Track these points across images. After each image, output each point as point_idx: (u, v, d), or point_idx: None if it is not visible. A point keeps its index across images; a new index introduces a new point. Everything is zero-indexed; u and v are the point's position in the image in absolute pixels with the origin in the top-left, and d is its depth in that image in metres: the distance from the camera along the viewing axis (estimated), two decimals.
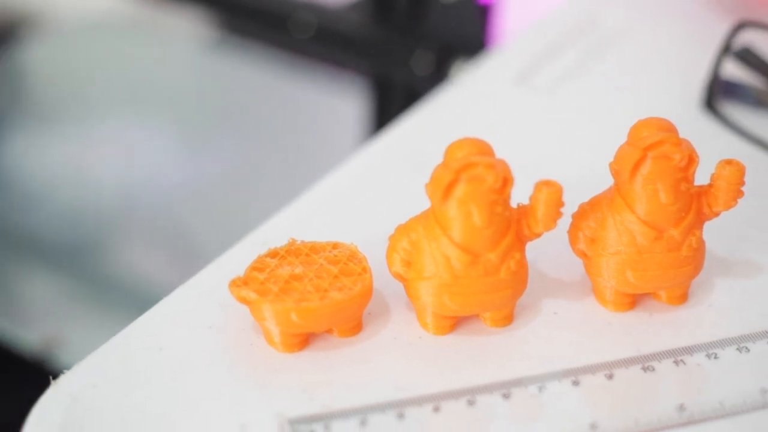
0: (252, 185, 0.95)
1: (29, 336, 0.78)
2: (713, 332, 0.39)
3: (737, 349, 0.38)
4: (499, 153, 0.49)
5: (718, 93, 0.52)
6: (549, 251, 0.42)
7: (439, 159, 0.44)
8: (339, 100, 0.95)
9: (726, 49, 0.51)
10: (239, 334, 0.39)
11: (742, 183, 0.38)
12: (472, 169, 0.36)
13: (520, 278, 0.38)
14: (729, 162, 0.38)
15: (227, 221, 0.90)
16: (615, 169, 0.38)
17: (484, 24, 0.70)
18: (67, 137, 1.03)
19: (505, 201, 0.37)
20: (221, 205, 0.96)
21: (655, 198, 0.38)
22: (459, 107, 0.54)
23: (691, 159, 0.38)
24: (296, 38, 0.76)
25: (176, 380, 0.37)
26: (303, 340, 0.38)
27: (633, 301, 0.40)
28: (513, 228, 0.37)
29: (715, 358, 0.38)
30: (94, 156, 1.00)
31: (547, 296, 0.41)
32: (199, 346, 0.38)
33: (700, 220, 0.39)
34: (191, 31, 1.08)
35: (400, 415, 0.36)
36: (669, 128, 0.38)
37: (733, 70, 0.53)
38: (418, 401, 0.36)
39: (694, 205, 0.39)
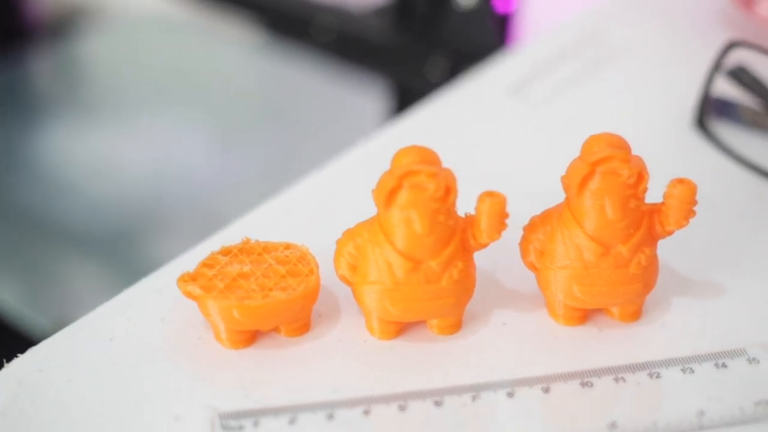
0: (280, 181, 0.96)
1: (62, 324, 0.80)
2: (661, 351, 0.39)
3: (682, 369, 0.38)
4: (484, 162, 0.49)
5: (709, 112, 0.51)
6: (508, 262, 0.42)
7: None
8: (367, 101, 0.95)
9: (716, 68, 0.50)
10: (189, 328, 0.40)
11: (694, 202, 0.38)
12: (415, 176, 0.36)
13: (463, 287, 0.38)
14: (680, 181, 0.38)
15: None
16: (565, 183, 0.38)
17: (501, 32, 0.70)
18: (109, 128, 1.06)
19: (448, 210, 0.37)
20: (251, 198, 0.97)
21: (602, 213, 0.38)
22: (449, 114, 0.55)
23: (641, 176, 0.37)
24: (318, 41, 0.77)
25: (120, 369, 0.38)
26: (249, 338, 0.39)
27: (584, 315, 0.40)
28: (458, 237, 0.38)
29: (657, 377, 0.38)
30: (132, 148, 1.02)
31: (499, 307, 0.41)
32: (148, 338, 0.39)
33: (651, 238, 0.39)
34: (236, 33, 1.09)
35: (330, 416, 0.36)
36: (620, 145, 0.38)
37: (728, 90, 0.53)
38: (350, 403, 0.36)
39: (645, 222, 0.38)
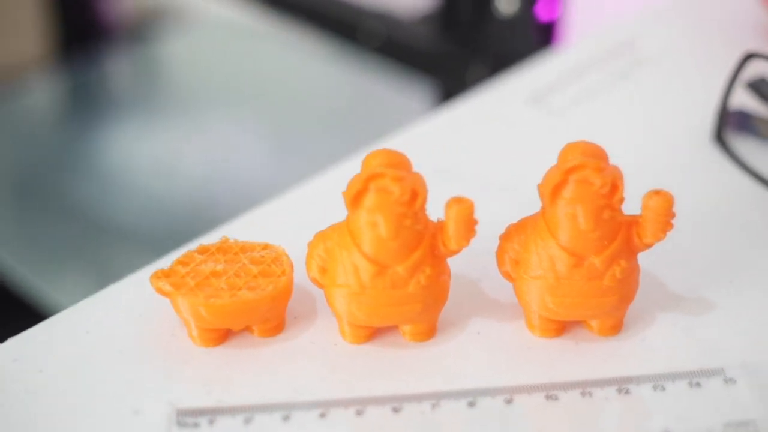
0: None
1: None
2: (636, 367, 0.38)
3: (653, 386, 0.37)
4: (496, 169, 0.48)
5: (727, 125, 0.50)
6: (494, 272, 0.41)
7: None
8: (415, 105, 0.95)
9: (733, 80, 0.49)
10: (164, 325, 0.40)
11: (671, 215, 0.37)
12: (380, 179, 0.36)
13: (431, 293, 0.38)
14: (657, 192, 0.37)
15: None
16: (540, 191, 0.38)
17: (544, 40, 0.69)
18: (171, 130, 1.08)
19: (415, 214, 0.37)
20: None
21: (574, 223, 0.37)
22: (466, 121, 0.54)
23: (615, 186, 0.36)
24: (366, 47, 0.77)
25: (90, 362, 0.38)
26: (220, 336, 0.39)
27: (560, 328, 0.39)
28: (426, 242, 0.37)
29: (627, 393, 0.37)
30: (192, 149, 1.04)
31: (477, 316, 0.40)
32: (123, 333, 0.40)
33: (629, 250, 0.38)
34: (302, 41, 1.10)
35: (286, 418, 0.36)
36: (595, 153, 0.37)
37: (750, 102, 0.51)
38: (308, 406, 0.36)
39: (622, 234, 0.37)
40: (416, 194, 0.36)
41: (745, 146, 0.50)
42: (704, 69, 0.57)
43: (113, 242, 0.95)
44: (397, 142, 0.52)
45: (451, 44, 0.74)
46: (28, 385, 0.37)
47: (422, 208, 0.37)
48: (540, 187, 0.38)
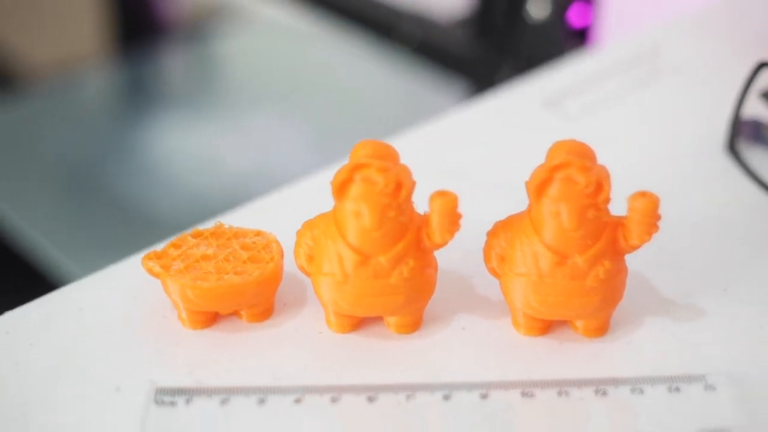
0: None
1: None
2: (617, 370, 0.38)
3: (631, 389, 0.37)
4: (505, 171, 0.48)
5: (740, 135, 0.49)
6: (484, 269, 0.41)
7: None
8: (448, 105, 0.95)
9: (746, 90, 0.48)
10: (156, 307, 0.41)
11: (656, 216, 0.37)
12: (365, 170, 0.37)
13: (414, 286, 0.38)
14: (642, 194, 0.37)
15: None
16: (527, 188, 0.38)
17: (576, 45, 0.69)
18: (216, 125, 1.09)
19: (399, 206, 0.37)
20: None
21: (558, 221, 0.37)
22: (480, 123, 0.54)
23: (600, 186, 0.36)
24: (402, 48, 0.77)
25: (80, 339, 0.39)
26: (208, 319, 0.40)
27: (545, 327, 0.39)
28: (411, 235, 0.37)
29: (604, 394, 0.37)
30: (234, 145, 1.05)
31: (464, 311, 0.40)
32: (115, 313, 0.40)
33: (614, 251, 0.37)
34: (345, 42, 1.11)
35: (262, 401, 0.36)
36: (582, 152, 0.37)
37: (765, 113, 0.51)
38: (284, 391, 0.37)
39: (607, 235, 0.37)
40: (401, 185, 0.37)
41: (758, 157, 0.50)
42: (724, 79, 0.56)
43: (151, 232, 0.96)
44: (412, 138, 0.53)
45: (483, 48, 0.74)
46: (18, 356, 0.38)
47: (407, 200, 0.37)
48: (527, 184, 0.38)
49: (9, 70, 1.33)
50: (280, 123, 1.08)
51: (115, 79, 1.23)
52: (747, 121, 0.50)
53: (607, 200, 0.37)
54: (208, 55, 1.27)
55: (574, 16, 0.70)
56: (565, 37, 0.69)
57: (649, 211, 0.37)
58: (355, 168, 0.37)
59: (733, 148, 0.49)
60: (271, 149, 1.05)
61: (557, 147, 0.37)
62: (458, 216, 0.37)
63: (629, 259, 0.42)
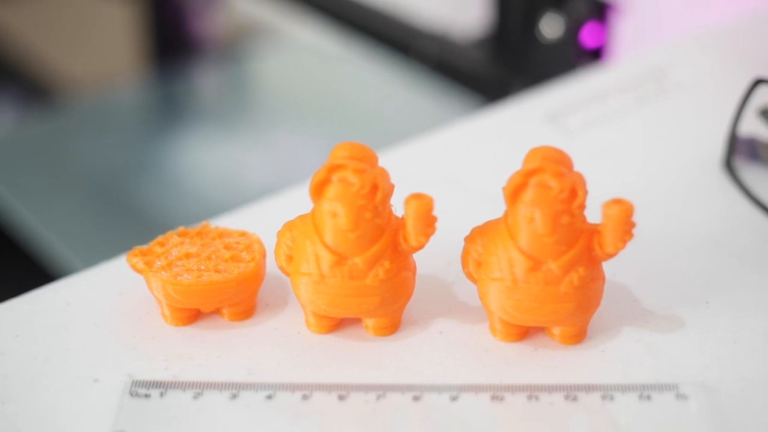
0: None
1: None
2: (588, 376, 0.38)
3: (602, 396, 0.37)
4: (502, 181, 0.49)
5: (736, 153, 0.49)
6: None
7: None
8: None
9: (742, 107, 0.48)
10: (141, 304, 0.41)
11: (630, 224, 0.37)
12: (342, 170, 0.37)
13: (390, 287, 0.38)
14: (617, 201, 0.37)
15: None
16: (504, 193, 0.38)
17: (589, 65, 0.69)
18: (242, 142, 1.10)
19: (375, 208, 0.37)
20: None
21: (532, 227, 0.37)
22: (480, 136, 0.55)
23: (574, 192, 0.37)
24: (420, 67, 0.78)
25: (63, 332, 0.40)
26: (190, 316, 0.40)
27: (522, 333, 0.39)
28: (387, 237, 0.38)
29: (574, 400, 0.37)
30: (258, 162, 1.06)
31: (443, 316, 0.41)
32: (100, 308, 0.41)
33: (590, 259, 0.38)
34: (368, 63, 1.12)
35: (234, 396, 0.37)
36: (557, 159, 0.37)
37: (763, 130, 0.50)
38: (256, 387, 0.37)
39: (582, 242, 0.37)
40: (376, 187, 0.37)
41: (754, 174, 0.50)
42: (726, 98, 0.56)
43: None
44: (414, 147, 0.53)
45: (499, 67, 0.74)
46: (3, 347, 0.39)
47: (383, 202, 0.38)
48: (503, 189, 0.38)
49: (45, 84, 1.35)
50: (304, 139, 1.09)
51: (148, 95, 1.25)
52: (743, 139, 0.50)
53: (582, 207, 0.37)
54: (238, 73, 1.29)
55: (588, 36, 0.70)
56: (578, 57, 0.69)
57: (622, 219, 0.37)
58: (331, 169, 0.37)
59: (729, 166, 0.49)
60: (295, 164, 1.06)
61: (533, 153, 0.38)
62: (433, 219, 0.37)
63: (616, 271, 0.42)
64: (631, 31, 0.71)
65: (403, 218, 0.38)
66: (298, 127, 1.12)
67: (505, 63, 0.73)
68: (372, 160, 0.38)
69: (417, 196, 0.37)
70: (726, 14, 0.69)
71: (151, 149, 1.13)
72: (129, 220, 1.00)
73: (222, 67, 1.29)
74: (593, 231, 0.38)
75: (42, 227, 0.97)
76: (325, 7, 0.89)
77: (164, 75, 1.27)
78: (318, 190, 0.38)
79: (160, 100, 1.24)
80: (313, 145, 1.09)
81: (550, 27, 0.70)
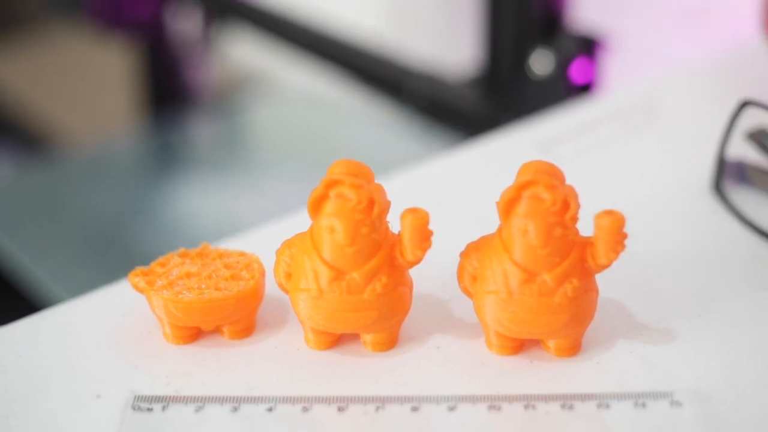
0: None
1: None
2: (584, 386, 0.38)
3: (598, 404, 0.37)
4: (494, 207, 0.50)
5: (725, 176, 0.50)
6: (461, 294, 0.42)
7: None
8: None
9: (729, 129, 0.49)
10: (142, 324, 0.42)
11: (622, 235, 0.38)
12: (339, 186, 0.38)
13: (387, 302, 0.39)
14: (608, 212, 0.38)
15: None
16: (497, 207, 0.39)
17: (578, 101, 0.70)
18: (237, 188, 1.11)
19: (372, 223, 0.38)
20: None
21: (526, 239, 0.38)
22: (476, 162, 0.56)
23: (566, 204, 0.37)
24: (411, 107, 0.79)
25: (67, 350, 0.41)
26: (191, 335, 0.41)
27: (517, 346, 0.40)
28: (384, 252, 0.39)
29: (570, 408, 0.37)
30: (254, 208, 1.07)
31: (440, 332, 0.41)
32: (104, 328, 0.42)
33: (582, 270, 0.38)
34: (360, 108, 1.14)
35: (235, 409, 0.37)
36: (550, 172, 0.38)
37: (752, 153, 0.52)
38: (257, 400, 0.38)
39: (575, 253, 0.38)
40: (373, 203, 0.38)
41: (743, 196, 0.51)
42: (715, 125, 0.57)
43: None
44: (406, 177, 0.54)
45: (490, 105, 0.76)
46: (7, 366, 0.40)
47: (380, 218, 0.38)
48: (497, 204, 0.39)
49: (42, 135, 1.36)
50: (298, 185, 1.10)
51: (144, 144, 1.26)
52: (732, 163, 0.51)
53: (574, 219, 0.38)
54: (232, 122, 1.30)
55: (577, 72, 0.71)
56: (568, 93, 0.71)
57: (614, 229, 0.37)
58: (329, 184, 0.38)
59: (718, 188, 0.50)
60: (289, 209, 1.07)
61: (525, 167, 0.38)
62: (429, 233, 0.38)
63: (609, 288, 0.43)
64: (620, 67, 0.72)
65: (399, 234, 0.39)
66: (292, 174, 1.13)
67: (496, 101, 0.75)
68: (368, 177, 0.39)
69: (413, 211, 0.38)
70: (712, 48, 0.70)
71: (147, 197, 1.14)
72: (126, 265, 1.00)
73: (216, 117, 1.31)
74: (586, 243, 0.38)
75: (41, 273, 0.97)
76: (316, 49, 0.90)
77: (160, 125, 1.28)
78: (316, 206, 0.38)
79: (156, 150, 1.26)
80: (307, 190, 1.10)
81: (540, 63, 0.71)
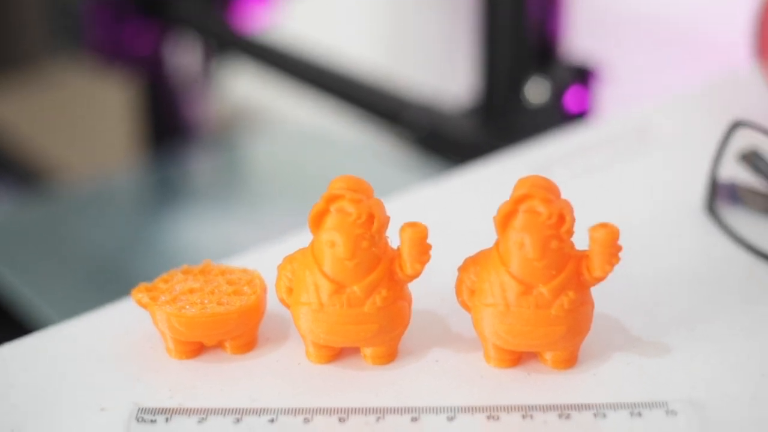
0: None
1: None
2: (580, 397, 0.39)
3: (594, 414, 0.38)
4: (490, 228, 0.51)
5: (719, 196, 0.51)
6: (459, 309, 0.43)
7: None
8: None
9: (721, 150, 0.50)
10: (145, 339, 0.43)
11: (617, 247, 0.38)
12: (340, 201, 0.39)
13: (387, 315, 0.40)
14: (603, 225, 0.38)
15: None
16: (494, 222, 0.40)
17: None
18: (237, 219, 1.12)
19: (372, 237, 0.39)
20: None
21: (523, 252, 0.39)
22: (473, 185, 0.57)
23: (562, 217, 0.38)
24: (406, 137, 0.80)
25: (71, 365, 0.41)
26: (194, 350, 0.42)
27: (515, 359, 0.41)
28: (384, 266, 0.39)
29: (567, 418, 0.38)
30: (250, 238, 1.08)
31: (439, 346, 0.42)
32: (107, 344, 0.43)
33: (578, 283, 0.39)
34: (358, 137, 1.15)
35: (238, 420, 0.38)
36: (545, 186, 0.39)
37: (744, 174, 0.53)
38: (259, 412, 0.38)
39: (571, 266, 0.39)
40: (373, 217, 0.39)
41: (736, 216, 0.52)
42: (707, 149, 0.58)
43: None
44: (402, 201, 0.55)
45: (487, 135, 0.77)
46: (13, 380, 0.40)
47: (380, 232, 0.39)
48: (494, 219, 0.40)
49: (42, 172, 1.37)
50: (297, 218, 1.11)
51: (143, 179, 1.27)
52: (724, 184, 0.52)
53: (570, 232, 0.39)
54: (231, 156, 1.31)
55: (571, 102, 0.72)
56: (563, 122, 0.72)
57: (609, 242, 0.38)
58: (330, 199, 0.39)
59: (711, 209, 0.51)
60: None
61: (521, 182, 0.39)
62: (428, 246, 0.39)
63: (604, 305, 0.43)
64: (614, 96, 0.73)
65: (398, 249, 0.40)
66: (291, 206, 1.14)
67: (492, 130, 0.76)
68: (368, 192, 0.40)
69: (412, 225, 0.39)
70: (704, 76, 0.71)
71: (147, 230, 1.15)
72: (126, 298, 1.01)
73: (216, 151, 1.32)
74: (582, 256, 0.39)
75: (43, 306, 0.98)
76: (313, 80, 0.92)
77: (159, 159, 1.29)
78: (317, 221, 0.39)
79: (156, 184, 1.27)
80: (306, 222, 1.10)
81: (535, 92, 0.73)
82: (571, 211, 0.39)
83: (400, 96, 0.84)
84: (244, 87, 1.37)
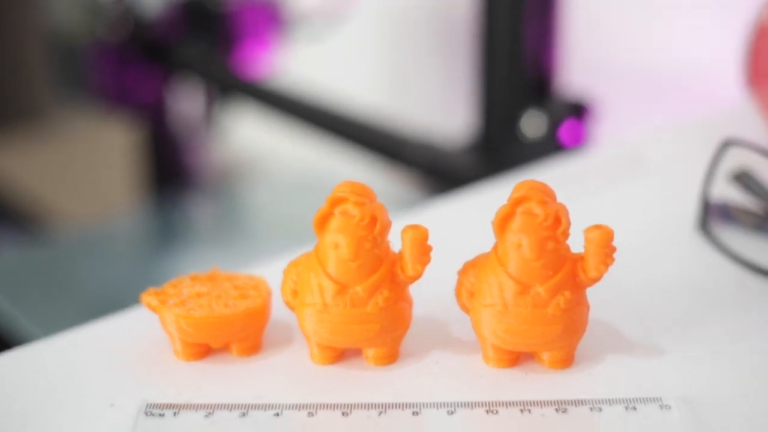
0: None
1: None
2: (577, 393, 0.40)
3: (590, 408, 0.39)
4: (487, 246, 0.52)
5: (712, 215, 0.53)
6: (460, 315, 0.44)
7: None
8: None
9: (712, 169, 0.52)
10: (154, 343, 0.44)
11: (611, 248, 0.40)
12: (344, 203, 0.40)
13: (389, 316, 0.41)
14: (597, 226, 0.40)
15: None
16: (493, 225, 0.41)
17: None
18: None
19: (375, 239, 0.40)
20: None
21: (520, 252, 0.40)
22: (470, 208, 0.58)
23: (558, 219, 0.40)
24: (406, 174, 0.82)
25: (82, 366, 0.42)
26: (201, 352, 0.43)
27: (513, 359, 0.42)
28: (386, 267, 0.41)
29: (564, 412, 0.39)
30: None
31: (439, 348, 0.43)
32: (117, 347, 0.44)
33: (574, 283, 0.40)
34: (368, 176, 1.17)
35: (243, 414, 0.39)
36: (542, 189, 0.40)
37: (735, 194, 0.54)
38: (264, 407, 0.39)
39: (567, 267, 0.40)
40: (375, 219, 0.40)
41: (729, 234, 0.53)
42: (701, 172, 0.60)
43: None
44: (405, 221, 0.56)
45: (483, 168, 0.78)
46: (24, 379, 0.42)
47: (382, 234, 0.41)
48: (492, 222, 0.41)
49: (44, 216, 1.39)
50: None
51: (145, 223, 1.29)
52: (717, 204, 0.53)
53: (566, 234, 0.40)
54: (232, 201, 1.33)
55: (566, 135, 0.74)
56: (558, 155, 0.74)
57: (603, 242, 0.40)
58: (334, 202, 0.40)
59: (704, 227, 0.53)
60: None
61: (519, 185, 0.41)
62: (428, 248, 0.40)
63: (599, 311, 0.45)
64: (608, 130, 0.75)
65: (400, 252, 0.41)
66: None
67: (490, 163, 0.77)
68: (371, 196, 0.41)
69: (413, 227, 0.40)
70: (698, 111, 0.73)
71: (148, 273, 1.16)
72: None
73: (217, 196, 1.34)
74: (577, 259, 0.41)
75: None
76: (316, 122, 0.93)
77: (161, 204, 1.31)
78: (321, 224, 0.41)
79: (157, 229, 1.28)
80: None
81: (531, 126, 0.74)
82: (567, 213, 0.40)
83: (400, 134, 0.86)
84: (246, 132, 1.39)
